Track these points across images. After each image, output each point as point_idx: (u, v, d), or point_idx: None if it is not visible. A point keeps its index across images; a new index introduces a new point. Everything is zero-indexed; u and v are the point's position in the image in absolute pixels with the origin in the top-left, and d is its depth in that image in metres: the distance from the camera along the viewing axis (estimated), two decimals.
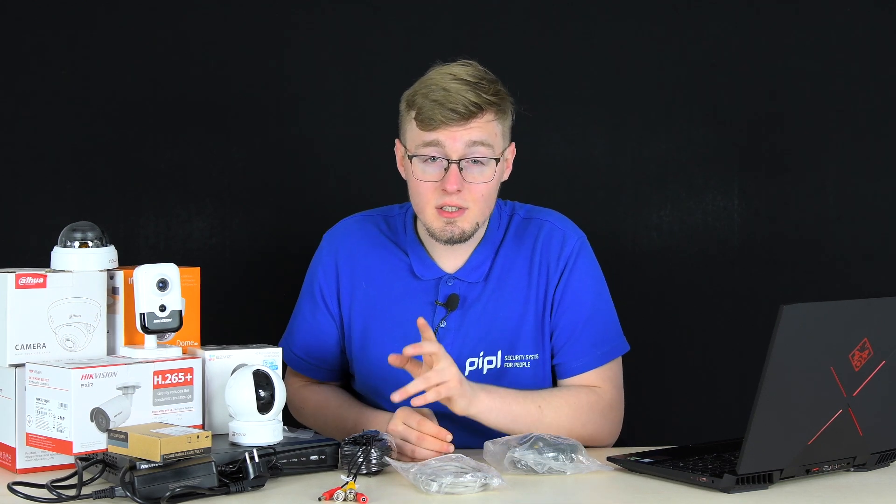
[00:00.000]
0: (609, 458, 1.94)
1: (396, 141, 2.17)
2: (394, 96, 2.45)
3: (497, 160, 2.09)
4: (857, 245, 2.87)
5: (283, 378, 2.30)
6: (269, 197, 2.81)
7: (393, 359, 1.98)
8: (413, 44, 2.81)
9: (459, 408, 1.99)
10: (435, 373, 1.94)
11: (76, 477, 1.73)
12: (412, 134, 2.10)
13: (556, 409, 2.08)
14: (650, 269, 2.86)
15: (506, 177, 2.17)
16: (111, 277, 1.97)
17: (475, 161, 2.07)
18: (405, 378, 2.05)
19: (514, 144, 2.16)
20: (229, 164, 2.79)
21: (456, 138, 2.05)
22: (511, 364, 2.15)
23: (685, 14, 2.86)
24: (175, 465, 1.72)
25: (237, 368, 1.94)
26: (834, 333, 1.78)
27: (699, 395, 2.87)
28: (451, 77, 2.07)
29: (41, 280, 1.89)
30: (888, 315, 1.83)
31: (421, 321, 1.97)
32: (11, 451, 1.88)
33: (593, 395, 2.12)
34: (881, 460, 1.94)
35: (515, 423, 2.04)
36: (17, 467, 1.87)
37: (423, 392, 1.94)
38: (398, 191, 2.32)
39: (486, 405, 2.02)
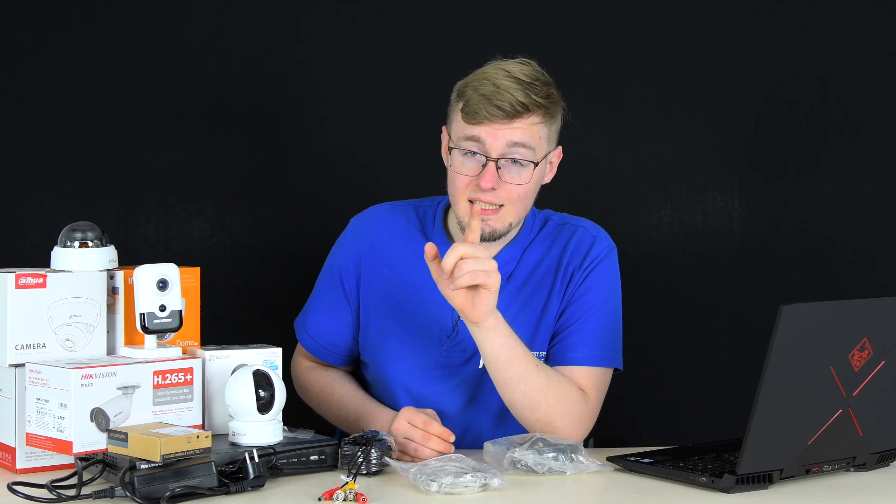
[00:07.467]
0: (609, 458, 1.94)
1: (443, 128, 2.14)
2: (395, 96, 2.46)
3: (536, 164, 2.06)
4: (856, 245, 2.86)
5: (293, 355, 2.30)
6: (269, 197, 2.80)
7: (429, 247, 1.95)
8: (414, 44, 2.81)
9: (484, 307, 1.92)
10: (476, 260, 1.90)
11: (76, 477, 1.73)
12: (457, 125, 2.07)
13: (548, 382, 2.01)
14: (650, 269, 2.85)
15: (548, 180, 2.14)
16: (111, 277, 1.97)
17: (514, 161, 2.04)
18: (419, 370, 2.03)
19: (560, 148, 2.14)
20: (229, 164, 2.79)
21: (497, 136, 2.03)
22: None
23: (685, 14, 2.86)
24: (175, 465, 1.72)
25: (237, 368, 1.94)
26: (834, 333, 1.78)
27: (699, 395, 2.87)
28: (505, 73, 2.04)
29: (41, 280, 1.89)
30: (888, 315, 1.83)
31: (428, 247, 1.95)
32: (11, 451, 1.88)
33: (582, 401, 2.06)
34: (881, 460, 1.94)
35: (510, 363, 1.97)
36: (17, 467, 1.87)
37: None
38: (400, 191, 2.32)
39: (502, 325, 1.96)
